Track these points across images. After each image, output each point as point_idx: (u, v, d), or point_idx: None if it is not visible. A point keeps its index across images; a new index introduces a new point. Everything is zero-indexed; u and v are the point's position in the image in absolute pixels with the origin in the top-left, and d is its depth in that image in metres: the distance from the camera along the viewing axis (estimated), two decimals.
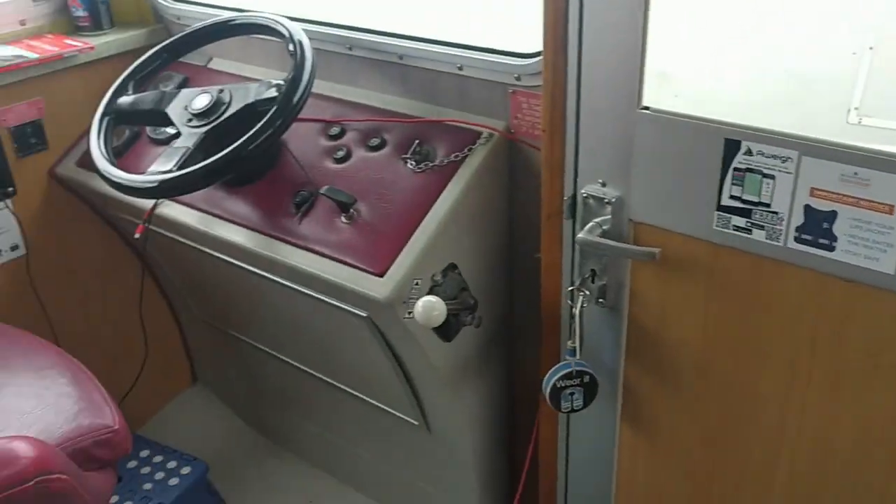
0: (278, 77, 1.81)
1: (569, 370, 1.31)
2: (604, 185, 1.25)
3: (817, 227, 1.26)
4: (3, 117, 1.75)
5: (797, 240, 1.26)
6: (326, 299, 1.49)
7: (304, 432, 2.14)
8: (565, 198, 1.30)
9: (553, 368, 1.34)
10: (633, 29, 1.14)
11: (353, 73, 1.69)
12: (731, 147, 1.20)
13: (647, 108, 1.18)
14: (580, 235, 1.23)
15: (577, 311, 1.29)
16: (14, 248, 1.84)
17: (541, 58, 1.24)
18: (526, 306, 1.70)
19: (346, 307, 1.47)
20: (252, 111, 1.48)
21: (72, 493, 1.02)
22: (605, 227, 1.25)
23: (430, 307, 1.29)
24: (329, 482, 2.13)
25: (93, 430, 1.19)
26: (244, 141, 1.36)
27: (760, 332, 1.31)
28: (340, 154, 1.57)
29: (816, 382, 1.31)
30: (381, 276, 1.37)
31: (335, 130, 1.62)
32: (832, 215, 1.24)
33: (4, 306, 1.86)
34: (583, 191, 1.26)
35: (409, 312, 1.37)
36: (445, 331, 1.45)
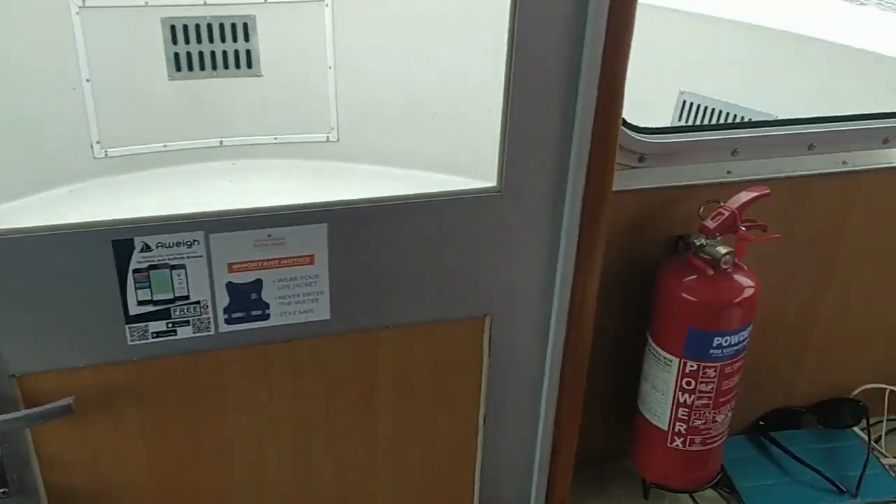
0: None
1: None
2: None
3: (246, 300, 1.24)
4: None
5: (229, 321, 1.24)
6: None
7: None
8: None
9: None
10: None
11: None
12: (123, 248, 1.08)
13: None
14: None
15: None
16: None
17: None
18: None
19: None
20: None
21: None
22: None
23: None
24: None
25: None
26: None
27: (222, 431, 1.28)
28: None
29: (287, 453, 1.39)
30: None
31: None
32: (258, 284, 1.25)
33: None
34: None
35: None
36: None
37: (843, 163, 1.78)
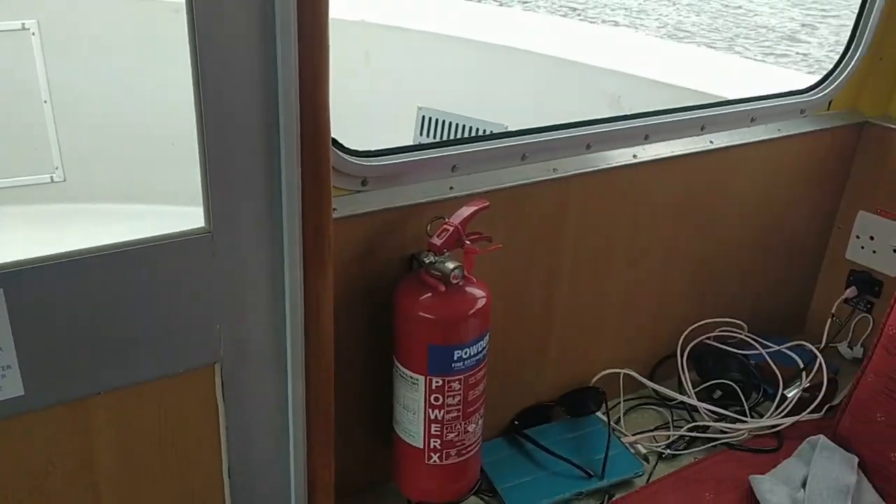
0: None
1: None
2: None
3: None
4: None
5: None
6: None
7: None
8: None
9: None
10: None
11: None
12: None
13: None
14: None
15: None
16: None
17: None
18: None
19: None
20: None
21: None
22: None
23: None
24: None
25: None
26: None
27: None
28: None
29: None
30: None
31: None
32: None
33: None
34: None
35: None
36: None
37: (554, 170, 1.91)
